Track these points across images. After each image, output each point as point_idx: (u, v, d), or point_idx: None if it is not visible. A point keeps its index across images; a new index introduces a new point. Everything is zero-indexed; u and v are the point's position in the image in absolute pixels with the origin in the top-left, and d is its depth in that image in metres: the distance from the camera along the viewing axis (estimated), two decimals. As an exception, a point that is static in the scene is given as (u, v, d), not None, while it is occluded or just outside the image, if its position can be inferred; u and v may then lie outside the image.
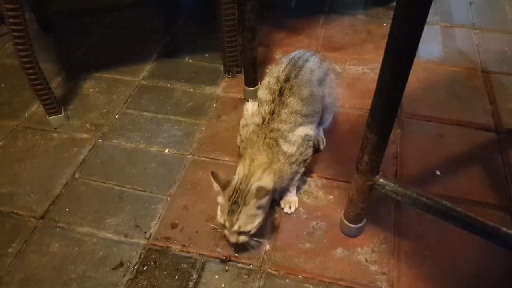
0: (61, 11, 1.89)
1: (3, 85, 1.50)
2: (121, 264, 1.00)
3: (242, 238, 0.94)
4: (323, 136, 1.25)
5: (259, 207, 0.92)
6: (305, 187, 1.15)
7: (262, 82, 1.10)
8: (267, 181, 0.94)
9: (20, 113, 1.40)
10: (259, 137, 0.98)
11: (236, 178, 0.95)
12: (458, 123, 1.33)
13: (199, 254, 1.02)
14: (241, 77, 1.49)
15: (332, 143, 1.26)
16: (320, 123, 1.16)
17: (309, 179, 1.17)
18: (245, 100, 1.41)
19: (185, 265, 1.00)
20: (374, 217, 1.06)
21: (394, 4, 2.01)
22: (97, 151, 1.27)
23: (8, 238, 1.05)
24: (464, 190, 1.13)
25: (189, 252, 1.02)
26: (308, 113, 1.03)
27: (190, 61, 1.60)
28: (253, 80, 1.38)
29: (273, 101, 1.01)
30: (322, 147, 1.24)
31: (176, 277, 0.97)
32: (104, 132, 1.33)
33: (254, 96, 1.08)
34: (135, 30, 1.76)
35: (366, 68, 1.55)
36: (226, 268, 0.99)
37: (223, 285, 0.96)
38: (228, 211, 0.91)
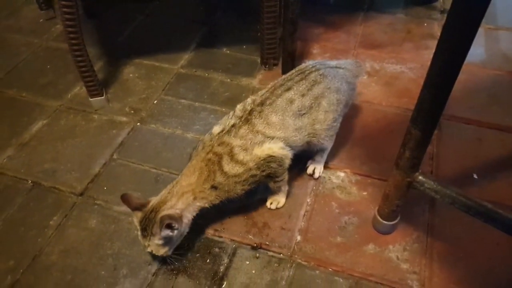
0: (104, -2, 1.94)
1: (48, 66, 1.57)
2: (155, 244, 1.03)
3: (161, 254, 0.95)
4: (321, 166, 1.16)
5: (165, 238, 0.91)
6: (338, 182, 1.15)
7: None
8: (182, 206, 0.93)
9: (63, 94, 1.46)
10: (204, 149, 0.96)
11: (151, 203, 0.93)
12: (498, 127, 1.29)
13: (231, 239, 1.04)
14: (277, 70, 1.50)
15: (367, 140, 1.26)
16: (316, 150, 1.11)
17: (342, 175, 1.17)
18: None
19: (217, 249, 1.02)
20: (407, 216, 1.05)
21: (436, 4, 1.96)
22: (135, 134, 1.31)
23: (50, 211, 1.10)
24: (501, 195, 1.11)
25: (221, 237, 1.04)
26: (275, 136, 0.96)
27: (228, 52, 1.62)
28: (290, 73, 1.38)
29: (240, 117, 0.98)
30: (317, 175, 1.16)
31: (208, 260, 1.00)
32: (143, 116, 1.37)
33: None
34: (175, 19, 1.79)
35: (405, 67, 1.53)
36: (257, 255, 1.00)
37: (253, 271, 0.97)
38: (141, 235, 0.93)
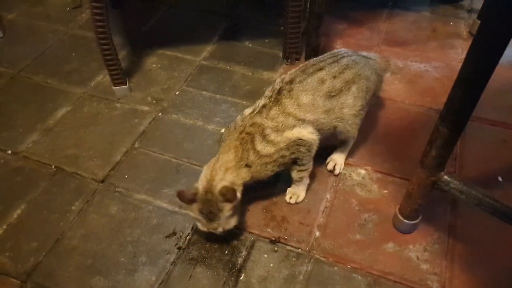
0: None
1: (73, 54, 1.59)
2: (174, 233, 1.04)
3: (232, 225, 0.96)
4: (342, 162, 1.16)
5: (234, 206, 0.92)
6: (359, 179, 1.14)
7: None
8: (230, 179, 0.93)
9: (87, 81, 1.47)
10: (237, 129, 0.97)
11: (200, 188, 0.93)
12: (525, 130, 1.26)
13: (250, 232, 1.04)
14: (299, 65, 1.49)
15: (389, 138, 1.24)
16: (340, 140, 1.11)
17: (363, 172, 1.16)
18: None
19: (235, 241, 1.02)
20: (428, 216, 1.04)
21: (463, 2, 1.92)
22: (157, 124, 1.32)
23: (72, 197, 1.12)
24: (527, 200, 1.08)
25: (239, 229, 1.04)
26: (305, 118, 0.97)
27: (250, 45, 1.62)
28: (313, 68, 1.37)
29: (269, 97, 0.99)
30: (337, 172, 1.15)
31: (226, 252, 1.00)
32: (164, 106, 1.38)
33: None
34: (198, 11, 1.80)
35: (429, 66, 1.50)
36: (275, 249, 1.00)
37: (271, 265, 0.97)
38: (207, 222, 0.93)
